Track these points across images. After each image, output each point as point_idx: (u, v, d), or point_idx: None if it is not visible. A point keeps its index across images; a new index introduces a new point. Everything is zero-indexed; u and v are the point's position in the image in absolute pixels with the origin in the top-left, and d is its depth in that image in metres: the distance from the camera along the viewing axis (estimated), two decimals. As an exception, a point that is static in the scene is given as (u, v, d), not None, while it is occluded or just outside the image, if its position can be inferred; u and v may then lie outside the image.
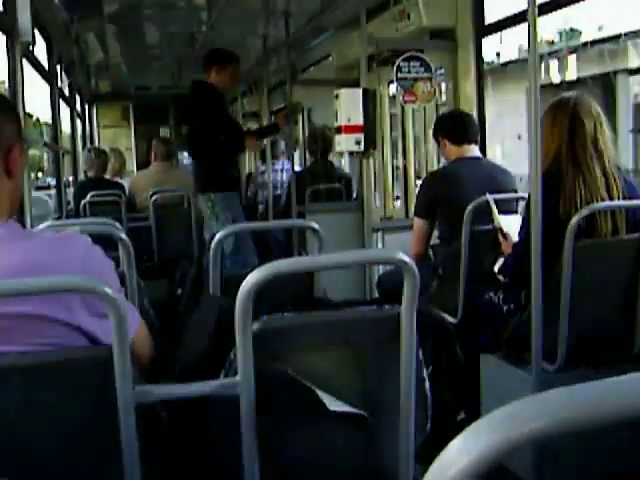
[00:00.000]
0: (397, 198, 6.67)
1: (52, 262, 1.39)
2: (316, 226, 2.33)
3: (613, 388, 0.58)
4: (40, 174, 26.43)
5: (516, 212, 3.40)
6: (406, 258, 1.45)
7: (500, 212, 3.04)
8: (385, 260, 1.60)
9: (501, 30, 4.62)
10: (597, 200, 2.52)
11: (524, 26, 2.36)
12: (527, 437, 0.54)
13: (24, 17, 3.87)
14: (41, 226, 2.51)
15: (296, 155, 7.58)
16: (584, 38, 15.52)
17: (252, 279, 1.38)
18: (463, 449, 0.54)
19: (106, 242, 1.96)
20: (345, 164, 7.34)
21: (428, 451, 1.53)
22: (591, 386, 0.57)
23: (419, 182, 5.17)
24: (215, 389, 1.45)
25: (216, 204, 4.98)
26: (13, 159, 1.47)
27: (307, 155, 7.18)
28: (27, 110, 4.02)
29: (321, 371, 1.49)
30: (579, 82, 14.12)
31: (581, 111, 2.61)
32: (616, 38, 14.13)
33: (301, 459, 1.57)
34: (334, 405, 1.47)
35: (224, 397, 1.46)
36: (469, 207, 3.16)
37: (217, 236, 2.26)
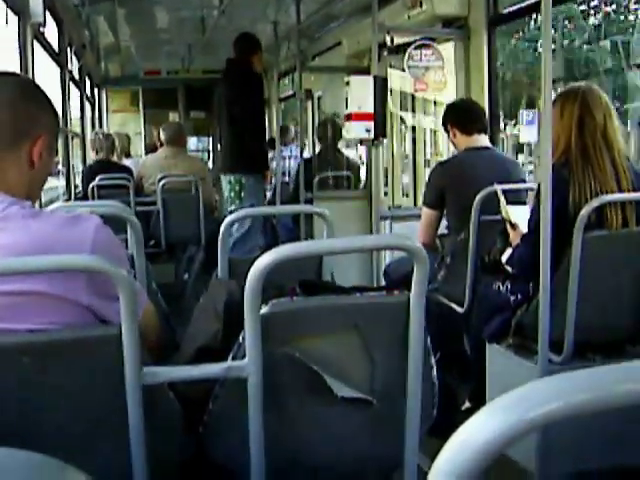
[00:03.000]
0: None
1: (63, 241, 1.39)
2: (325, 212, 2.33)
3: (624, 372, 0.58)
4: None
5: (525, 203, 3.39)
6: (417, 244, 1.45)
7: (509, 203, 3.03)
8: (395, 246, 1.60)
9: (514, 20, 4.61)
10: (607, 192, 2.51)
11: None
12: (541, 418, 0.54)
13: (36, -2, 3.87)
14: (51, 207, 2.51)
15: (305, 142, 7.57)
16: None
17: (262, 263, 1.38)
18: (477, 430, 0.54)
19: (114, 224, 1.97)
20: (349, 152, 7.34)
21: (432, 439, 1.54)
22: (599, 370, 0.57)
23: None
24: (223, 372, 1.46)
25: (246, 188, 5.07)
26: (38, 150, 1.48)
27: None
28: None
29: (329, 356, 1.49)
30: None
31: (590, 102, 2.59)
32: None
33: (307, 443, 1.58)
34: (341, 390, 1.48)
35: (232, 380, 1.46)
36: (477, 197, 3.15)
37: (226, 220, 2.26)
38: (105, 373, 1.38)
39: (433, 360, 1.62)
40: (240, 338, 1.47)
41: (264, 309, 1.43)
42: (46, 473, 0.71)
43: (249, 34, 5.43)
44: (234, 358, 1.48)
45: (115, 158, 6.53)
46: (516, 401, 0.56)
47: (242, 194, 5.14)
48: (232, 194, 5.16)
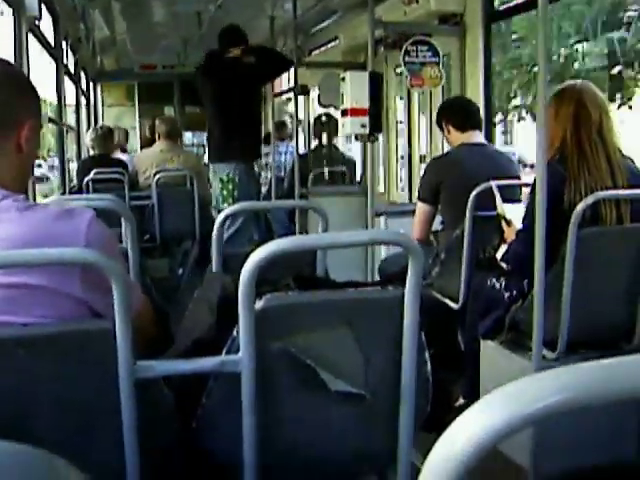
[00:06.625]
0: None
1: (56, 234, 1.39)
2: (320, 206, 2.33)
3: (617, 368, 0.57)
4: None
5: (520, 200, 3.39)
6: (411, 239, 1.45)
7: (504, 199, 3.03)
8: (390, 241, 1.60)
9: (510, 16, 4.61)
10: (602, 188, 2.51)
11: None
12: (530, 416, 0.54)
13: (31, -9, 3.86)
14: (46, 200, 2.51)
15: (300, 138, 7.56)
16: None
17: (255, 257, 1.38)
18: (469, 426, 0.54)
19: (109, 218, 1.96)
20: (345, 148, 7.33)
21: (425, 434, 1.54)
22: (594, 365, 0.57)
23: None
24: (217, 366, 1.45)
25: (237, 184, 4.99)
26: (25, 136, 1.47)
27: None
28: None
29: (323, 350, 1.49)
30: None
31: (586, 99, 2.60)
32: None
33: (300, 438, 1.58)
34: (335, 384, 1.48)
35: (226, 374, 1.46)
36: (473, 193, 3.15)
37: (221, 215, 2.26)
38: (98, 367, 1.38)
39: (427, 355, 1.62)
40: (234, 332, 1.47)
41: (258, 304, 1.43)
42: (35, 465, 0.71)
43: (235, 26, 5.33)
44: (228, 352, 1.48)
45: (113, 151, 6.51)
46: (508, 397, 0.56)
47: (235, 193, 5.05)
48: (225, 193, 5.08)
